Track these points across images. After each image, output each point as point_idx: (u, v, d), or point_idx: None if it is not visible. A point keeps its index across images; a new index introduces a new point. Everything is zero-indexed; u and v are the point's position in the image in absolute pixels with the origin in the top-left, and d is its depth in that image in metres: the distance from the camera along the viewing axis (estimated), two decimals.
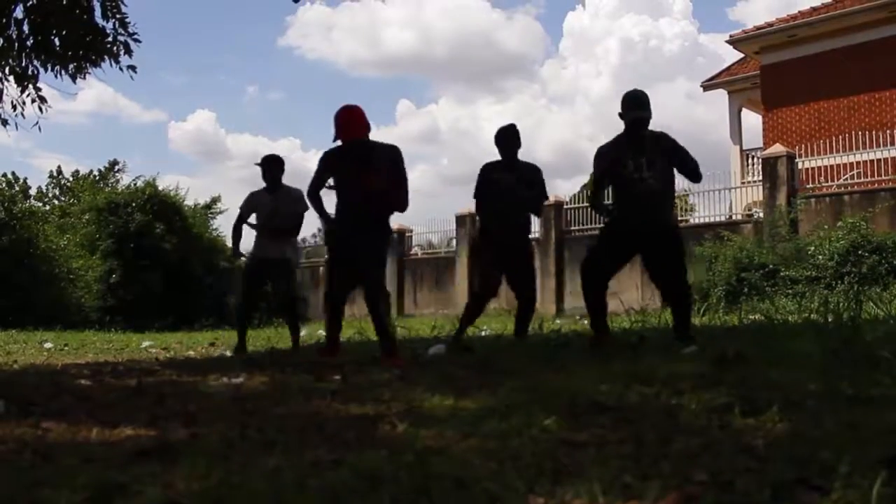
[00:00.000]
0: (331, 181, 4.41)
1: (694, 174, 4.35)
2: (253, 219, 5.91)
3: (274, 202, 5.78)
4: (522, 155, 4.93)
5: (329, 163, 4.39)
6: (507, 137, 4.85)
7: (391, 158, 4.26)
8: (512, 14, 75.64)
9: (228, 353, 6.20)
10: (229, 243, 18.73)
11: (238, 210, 6.00)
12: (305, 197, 5.84)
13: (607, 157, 4.27)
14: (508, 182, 4.76)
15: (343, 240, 4.34)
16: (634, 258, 4.47)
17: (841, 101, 15.22)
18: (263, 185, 5.87)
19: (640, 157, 4.16)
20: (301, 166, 66.45)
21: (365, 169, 4.18)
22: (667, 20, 58.18)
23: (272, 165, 5.84)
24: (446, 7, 72.71)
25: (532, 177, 4.87)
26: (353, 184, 4.25)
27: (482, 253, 4.91)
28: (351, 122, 4.19)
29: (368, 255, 4.31)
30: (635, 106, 4.19)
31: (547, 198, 5.06)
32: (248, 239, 6.16)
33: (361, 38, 71.65)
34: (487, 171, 4.87)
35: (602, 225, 4.61)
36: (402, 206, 4.36)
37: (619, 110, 4.24)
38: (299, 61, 72.59)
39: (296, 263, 6.22)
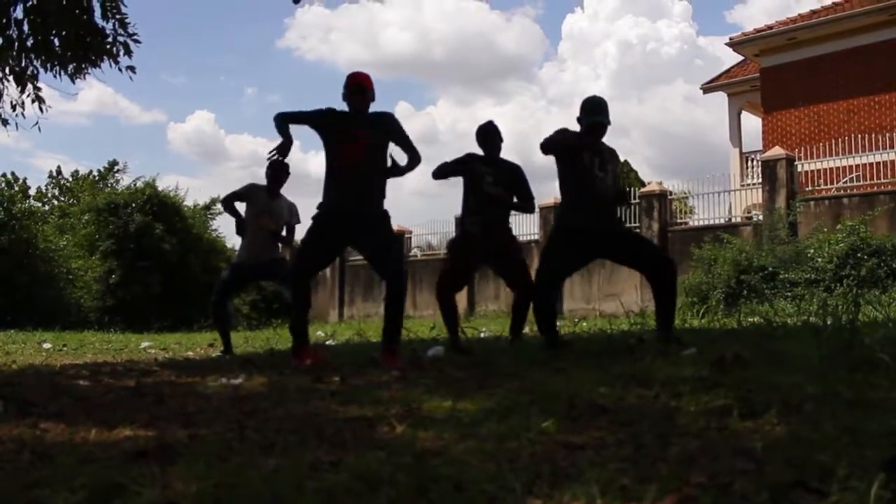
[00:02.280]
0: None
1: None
2: (242, 209, 5.93)
3: (271, 205, 5.81)
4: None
5: (320, 117, 4.08)
6: (488, 134, 4.84)
7: (386, 126, 4.10)
8: (510, 16, 75.76)
9: (214, 355, 6.22)
10: (229, 244, 18.80)
11: (235, 190, 5.96)
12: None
13: (570, 139, 4.24)
14: (490, 180, 4.77)
15: (332, 218, 4.06)
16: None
17: (840, 104, 15.25)
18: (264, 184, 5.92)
19: (595, 157, 4.22)
20: (300, 168, 66.49)
21: (350, 135, 4.01)
22: (665, 23, 58.24)
23: (282, 174, 5.86)
24: (445, 9, 72.82)
25: (512, 177, 4.88)
26: (339, 152, 4.01)
27: (458, 252, 4.90)
28: (361, 75, 4.11)
29: (388, 245, 4.09)
30: (596, 111, 4.22)
31: (533, 197, 5.04)
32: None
33: (360, 39, 71.75)
34: (471, 159, 4.83)
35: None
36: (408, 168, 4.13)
37: (578, 114, 4.27)
38: (298, 63, 72.67)
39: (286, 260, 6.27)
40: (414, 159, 4.17)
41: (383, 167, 4.12)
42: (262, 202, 5.83)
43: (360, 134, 4.04)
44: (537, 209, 15.66)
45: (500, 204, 4.83)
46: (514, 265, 4.91)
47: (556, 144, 4.24)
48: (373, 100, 4.14)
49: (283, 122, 4.08)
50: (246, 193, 5.89)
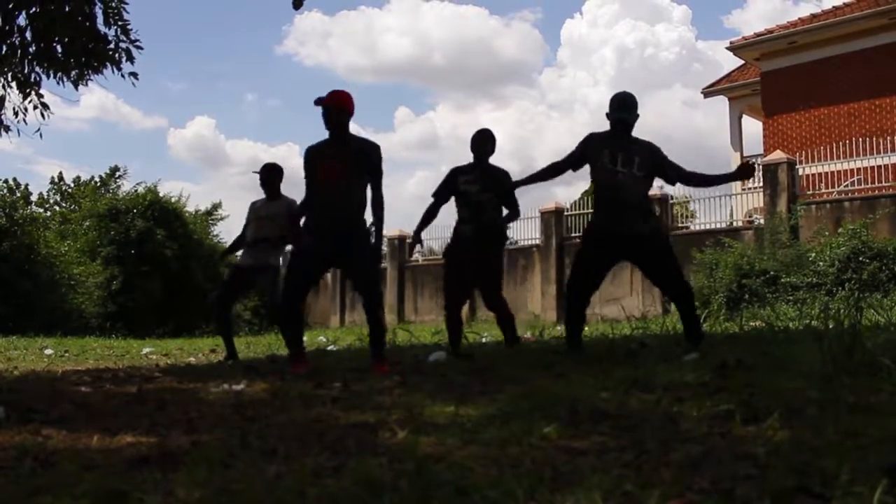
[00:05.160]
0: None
1: (681, 178, 4.38)
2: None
3: (267, 209, 5.82)
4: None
5: (307, 162, 4.24)
6: (479, 139, 4.90)
7: (365, 152, 4.19)
8: (510, 21, 75.65)
9: (218, 360, 6.21)
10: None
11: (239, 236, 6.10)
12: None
13: (592, 145, 4.29)
14: (476, 189, 4.81)
15: (315, 240, 4.19)
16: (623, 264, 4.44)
17: (841, 108, 15.25)
18: (262, 194, 5.94)
19: (619, 153, 4.19)
20: (300, 172, 66.25)
21: (333, 157, 4.14)
22: (664, 28, 58.17)
23: (270, 174, 5.86)
24: (444, 14, 72.67)
25: (498, 182, 4.88)
26: (323, 175, 4.15)
27: (453, 257, 4.91)
28: (340, 93, 4.19)
29: (363, 257, 4.19)
30: (618, 108, 4.23)
31: (517, 204, 5.01)
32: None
33: (359, 45, 71.47)
34: (455, 174, 4.90)
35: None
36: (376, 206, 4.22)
37: (607, 110, 4.28)
38: (297, 68, 72.49)
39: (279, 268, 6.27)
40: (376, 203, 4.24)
41: (362, 184, 4.20)
42: (259, 209, 5.85)
43: (340, 156, 4.15)
44: (538, 214, 15.69)
45: (489, 209, 4.84)
46: (492, 281, 4.93)
47: (582, 155, 4.32)
48: (350, 114, 4.22)
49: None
50: (250, 216, 5.95)
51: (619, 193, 4.19)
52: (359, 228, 4.19)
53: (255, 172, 5.89)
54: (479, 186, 4.81)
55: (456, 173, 4.91)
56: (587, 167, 4.32)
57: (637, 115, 4.28)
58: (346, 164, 4.14)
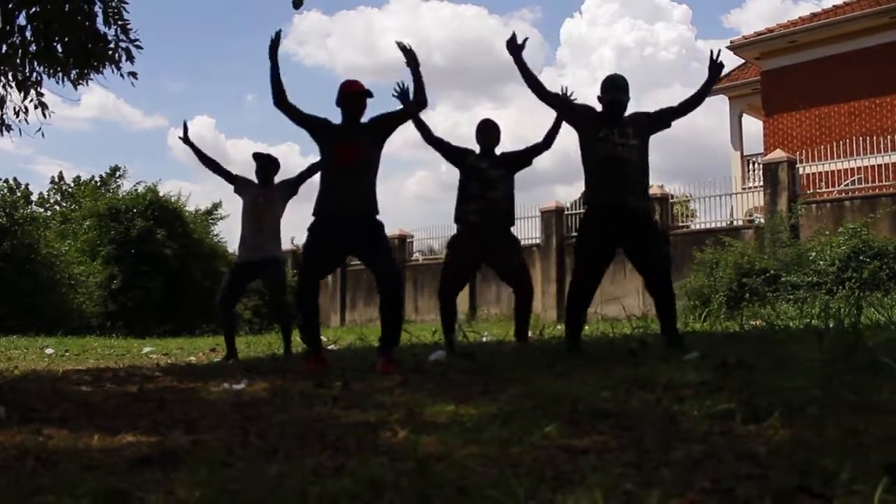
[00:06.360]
0: None
1: (677, 114, 4.33)
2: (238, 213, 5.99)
3: (263, 195, 5.81)
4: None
5: (316, 124, 4.27)
6: (486, 129, 4.89)
7: (375, 125, 4.26)
8: (509, 20, 75.56)
9: (217, 360, 6.20)
10: (230, 249, 18.87)
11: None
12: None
13: (585, 114, 4.29)
14: (485, 163, 4.79)
15: (328, 225, 4.17)
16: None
17: (842, 107, 15.26)
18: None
19: (614, 128, 4.17)
20: (295, 168, 66.31)
21: (348, 140, 4.17)
22: (663, 27, 58.16)
23: (267, 166, 5.86)
24: (443, 14, 72.68)
25: (508, 159, 4.89)
26: (334, 157, 4.18)
27: (458, 247, 4.86)
28: (354, 83, 4.29)
29: (381, 246, 4.18)
30: (612, 89, 4.21)
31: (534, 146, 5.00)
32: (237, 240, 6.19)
33: (358, 45, 71.49)
34: (466, 152, 4.88)
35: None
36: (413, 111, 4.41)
37: (598, 93, 4.26)
38: (297, 68, 72.39)
39: (284, 262, 6.24)
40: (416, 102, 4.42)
41: (375, 175, 4.26)
42: (254, 191, 5.86)
43: (357, 141, 4.19)
44: (538, 213, 15.69)
45: (499, 186, 4.79)
46: (513, 266, 4.90)
47: (569, 108, 4.33)
48: (365, 108, 4.30)
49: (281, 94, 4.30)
50: (239, 183, 5.96)
51: (621, 166, 4.13)
52: (375, 215, 4.22)
53: (255, 155, 5.90)
54: (489, 163, 4.79)
55: (470, 156, 4.86)
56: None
57: (629, 98, 4.24)
58: (363, 146, 4.19)
